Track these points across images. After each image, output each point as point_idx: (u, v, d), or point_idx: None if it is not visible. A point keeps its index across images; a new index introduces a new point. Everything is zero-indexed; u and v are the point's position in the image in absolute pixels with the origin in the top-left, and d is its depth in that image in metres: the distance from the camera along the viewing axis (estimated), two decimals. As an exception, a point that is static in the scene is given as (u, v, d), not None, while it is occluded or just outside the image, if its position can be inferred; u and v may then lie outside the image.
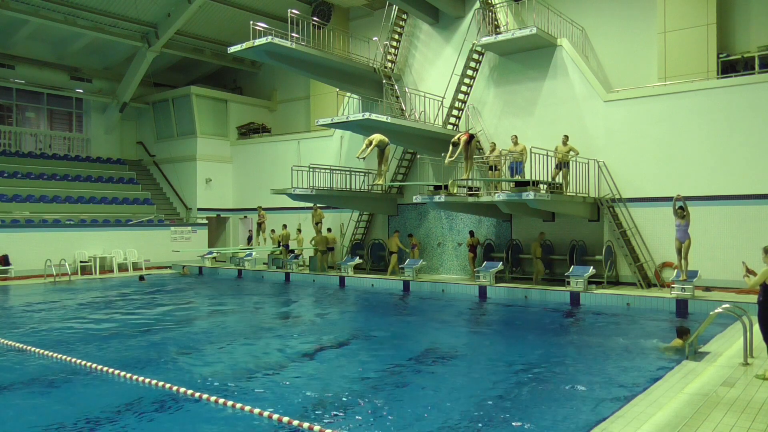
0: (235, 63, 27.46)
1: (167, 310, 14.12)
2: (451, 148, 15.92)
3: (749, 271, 8.02)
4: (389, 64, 20.41)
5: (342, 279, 18.61)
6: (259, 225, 23.09)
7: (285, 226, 21.70)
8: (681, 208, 13.23)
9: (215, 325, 12.31)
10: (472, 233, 17.82)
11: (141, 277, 20.64)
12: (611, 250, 15.68)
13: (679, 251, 13.44)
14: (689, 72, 15.84)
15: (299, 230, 22.14)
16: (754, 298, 7.75)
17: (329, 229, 21.12)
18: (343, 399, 6.94)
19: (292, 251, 21.48)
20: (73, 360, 8.51)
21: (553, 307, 13.79)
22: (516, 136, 16.63)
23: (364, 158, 16.25)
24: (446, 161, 15.93)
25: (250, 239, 24.55)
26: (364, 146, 15.99)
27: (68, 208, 23.03)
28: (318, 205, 20.84)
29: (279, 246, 21.58)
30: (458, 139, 15.88)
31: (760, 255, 7.63)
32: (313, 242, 21.09)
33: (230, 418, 6.19)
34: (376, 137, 15.98)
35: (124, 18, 23.23)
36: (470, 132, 16.96)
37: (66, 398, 7.13)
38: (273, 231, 22.39)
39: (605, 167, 16.19)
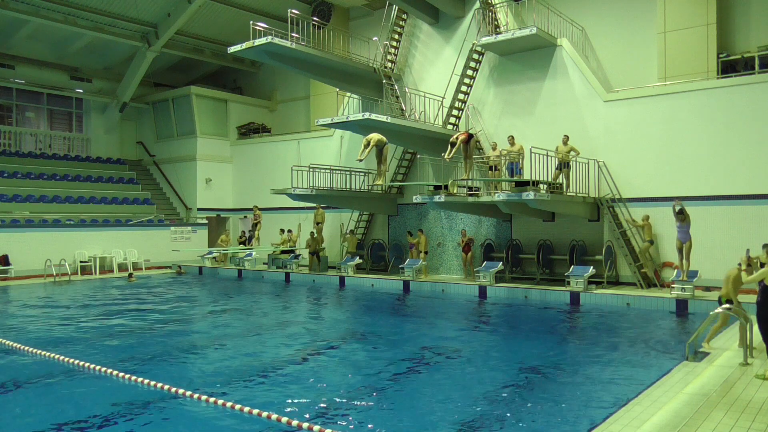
0: (235, 63, 27.46)
1: (165, 310, 14.12)
2: (449, 147, 15.90)
3: (750, 262, 7.98)
4: (389, 64, 20.40)
5: (342, 279, 18.61)
6: (254, 225, 23.12)
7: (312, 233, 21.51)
8: (681, 212, 13.30)
9: (214, 326, 12.30)
10: (464, 232, 17.77)
11: (130, 275, 20.72)
12: (611, 250, 15.68)
13: (680, 250, 13.53)
14: (689, 72, 15.83)
15: (284, 230, 22.17)
16: (754, 298, 7.75)
17: (312, 233, 20.98)
18: (343, 399, 6.93)
19: (292, 251, 21.49)
20: (71, 360, 8.50)
21: (553, 307, 13.80)
22: (512, 137, 16.66)
23: (361, 160, 16.15)
24: (445, 157, 15.89)
25: (250, 239, 24.54)
26: (363, 147, 15.92)
27: (68, 208, 23.03)
28: (321, 206, 20.87)
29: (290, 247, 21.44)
30: (456, 138, 15.84)
31: (760, 255, 7.63)
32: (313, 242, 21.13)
33: (230, 419, 6.19)
34: (374, 137, 15.90)
35: (124, 18, 23.23)
36: (469, 132, 16.92)
37: (63, 399, 7.11)
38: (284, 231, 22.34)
39: (605, 167, 16.18)
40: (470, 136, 16.14)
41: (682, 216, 13.31)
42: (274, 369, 8.44)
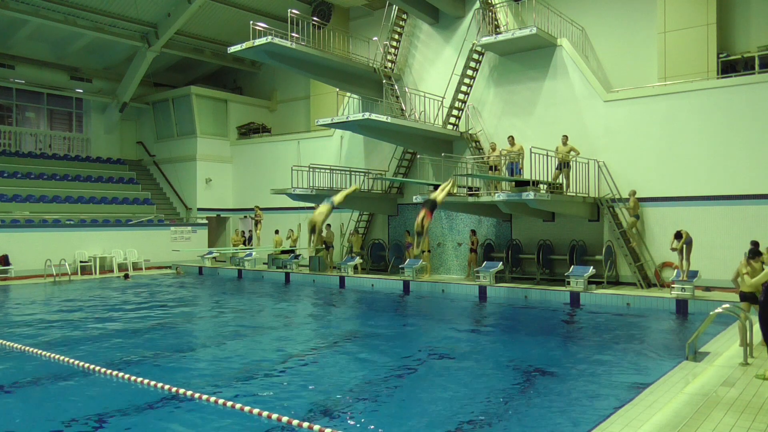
0: (235, 63, 27.45)
1: (165, 310, 14.12)
2: (416, 238, 10.35)
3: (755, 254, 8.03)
4: (389, 64, 20.40)
5: (342, 279, 18.61)
6: (256, 224, 23.18)
7: (329, 226, 21.36)
8: (678, 235, 13.64)
9: (213, 326, 12.31)
10: (474, 232, 17.81)
11: (126, 275, 20.74)
12: (611, 250, 15.68)
13: (680, 251, 13.55)
14: (689, 72, 15.83)
15: (278, 231, 22.25)
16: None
17: (329, 225, 21.12)
18: (343, 399, 6.93)
19: (292, 251, 21.48)
20: (71, 360, 8.50)
21: (553, 307, 13.79)
22: (512, 137, 16.66)
23: (318, 250, 11.93)
24: (415, 252, 11.26)
25: (250, 239, 24.58)
26: (309, 235, 11.17)
27: (68, 208, 23.03)
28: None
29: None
30: (420, 223, 9.76)
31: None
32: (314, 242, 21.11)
33: (230, 419, 6.19)
34: (316, 219, 10.84)
35: (124, 18, 23.23)
36: (432, 198, 10.58)
37: (63, 399, 7.12)
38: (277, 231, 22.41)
39: (605, 167, 16.18)
40: (434, 206, 10.34)
41: (680, 236, 13.62)
42: (274, 369, 8.44)
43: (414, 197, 16.45)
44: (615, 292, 14.29)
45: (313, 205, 20.72)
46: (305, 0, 24.06)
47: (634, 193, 15.34)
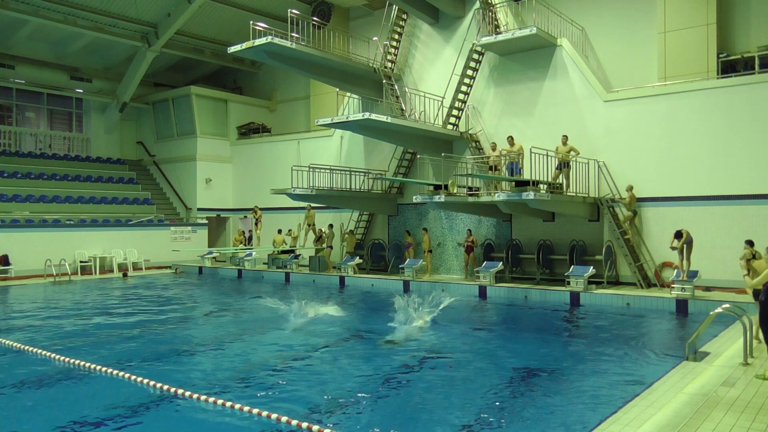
0: (235, 63, 27.47)
1: (164, 310, 14.11)
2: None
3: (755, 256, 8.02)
4: (389, 64, 20.39)
5: (342, 279, 18.60)
6: (256, 223, 23.23)
7: (331, 226, 21.38)
8: (678, 234, 13.67)
9: (213, 326, 12.30)
10: (470, 232, 17.82)
11: (124, 275, 20.75)
12: (611, 250, 15.68)
13: (681, 250, 13.55)
14: (689, 72, 15.83)
15: (280, 231, 22.32)
16: (747, 298, 7.75)
17: (330, 225, 21.20)
18: (344, 399, 6.93)
19: (292, 251, 21.50)
20: (71, 360, 8.49)
21: (553, 307, 13.79)
22: (512, 137, 16.66)
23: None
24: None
25: (251, 239, 24.60)
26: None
27: (68, 208, 23.03)
28: (312, 205, 20.85)
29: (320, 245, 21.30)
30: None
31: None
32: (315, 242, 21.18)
33: (230, 418, 6.19)
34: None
35: (124, 18, 23.23)
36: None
37: (63, 398, 7.11)
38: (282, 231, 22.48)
39: (605, 167, 16.18)
40: None
41: (680, 235, 13.62)
42: (274, 369, 8.43)
43: (414, 197, 16.45)
44: (615, 292, 14.29)
45: (303, 205, 20.78)
46: (305, 0, 24.07)
47: (631, 188, 15.36)
